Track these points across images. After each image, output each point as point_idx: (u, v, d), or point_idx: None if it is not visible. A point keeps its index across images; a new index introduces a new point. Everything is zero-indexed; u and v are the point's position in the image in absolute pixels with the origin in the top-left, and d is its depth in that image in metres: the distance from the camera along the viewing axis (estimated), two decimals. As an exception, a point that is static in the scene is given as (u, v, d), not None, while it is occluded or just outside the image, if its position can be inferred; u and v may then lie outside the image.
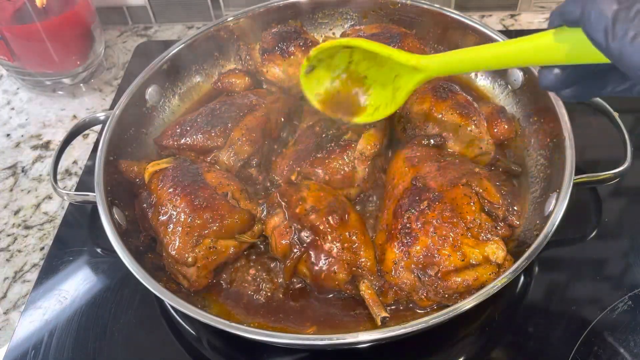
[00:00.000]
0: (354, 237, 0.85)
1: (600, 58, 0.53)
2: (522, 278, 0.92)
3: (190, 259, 0.83)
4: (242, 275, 0.91)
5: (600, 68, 0.59)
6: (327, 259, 0.83)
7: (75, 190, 1.12)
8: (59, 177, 1.16)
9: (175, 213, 0.86)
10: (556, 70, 0.62)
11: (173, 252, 0.84)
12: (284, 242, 0.85)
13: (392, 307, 0.84)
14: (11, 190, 1.16)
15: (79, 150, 1.22)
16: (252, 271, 0.91)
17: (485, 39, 1.13)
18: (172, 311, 0.91)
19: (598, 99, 1.00)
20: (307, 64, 0.87)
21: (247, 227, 0.89)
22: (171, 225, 0.86)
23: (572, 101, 0.65)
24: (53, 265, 1.00)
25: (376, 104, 0.88)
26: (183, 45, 1.15)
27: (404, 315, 0.83)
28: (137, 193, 0.98)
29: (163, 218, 0.87)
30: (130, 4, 1.51)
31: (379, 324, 0.79)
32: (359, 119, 0.89)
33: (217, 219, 0.85)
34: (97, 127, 1.21)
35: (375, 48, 0.81)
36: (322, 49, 0.85)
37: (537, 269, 0.93)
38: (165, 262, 0.88)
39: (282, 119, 1.08)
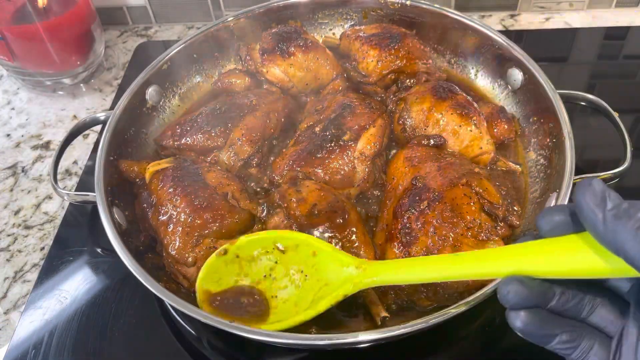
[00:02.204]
0: (353, 237, 0.85)
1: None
2: (522, 278, 0.92)
3: (190, 259, 0.83)
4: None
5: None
6: (327, 258, 0.83)
7: (76, 190, 1.12)
8: (59, 177, 1.16)
9: (175, 213, 0.86)
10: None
11: (173, 252, 0.84)
12: (284, 242, 0.85)
13: (393, 307, 0.84)
14: (11, 190, 1.16)
15: (79, 150, 1.22)
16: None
17: (485, 39, 1.13)
18: (172, 311, 0.91)
19: (598, 99, 1.00)
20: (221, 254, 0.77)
21: (248, 227, 0.89)
22: (171, 225, 0.86)
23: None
24: (53, 265, 1.00)
25: (281, 315, 0.75)
26: (183, 45, 1.15)
27: (404, 315, 0.83)
28: (137, 193, 0.98)
29: (163, 218, 0.87)
30: (130, 4, 1.51)
31: (379, 323, 0.79)
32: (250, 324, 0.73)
33: (217, 219, 0.85)
34: (97, 127, 1.21)
35: (319, 244, 0.75)
36: (249, 242, 0.76)
37: (537, 269, 0.93)
38: (165, 262, 0.88)
39: (282, 119, 1.08)
